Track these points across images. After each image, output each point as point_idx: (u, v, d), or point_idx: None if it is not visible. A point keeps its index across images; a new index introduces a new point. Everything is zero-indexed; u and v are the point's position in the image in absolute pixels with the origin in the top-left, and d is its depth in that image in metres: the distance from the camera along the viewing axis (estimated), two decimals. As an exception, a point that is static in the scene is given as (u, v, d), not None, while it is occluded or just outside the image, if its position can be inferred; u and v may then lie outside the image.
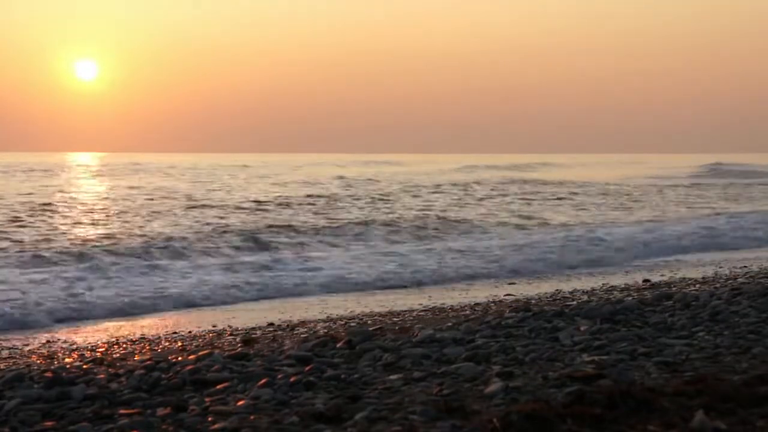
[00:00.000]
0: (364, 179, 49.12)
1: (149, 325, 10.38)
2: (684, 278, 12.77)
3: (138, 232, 20.31)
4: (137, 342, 8.96)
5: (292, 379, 5.57)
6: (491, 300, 11.22)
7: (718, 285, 11.08)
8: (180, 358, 6.66)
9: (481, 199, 34.27)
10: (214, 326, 9.90)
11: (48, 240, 18.46)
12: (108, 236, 19.31)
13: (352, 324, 9.49)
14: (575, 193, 38.86)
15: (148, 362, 6.36)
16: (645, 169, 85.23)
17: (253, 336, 8.70)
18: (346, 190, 38.92)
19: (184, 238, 18.61)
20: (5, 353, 8.58)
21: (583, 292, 11.56)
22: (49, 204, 27.96)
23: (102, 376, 6.02)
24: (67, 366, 6.77)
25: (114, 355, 7.94)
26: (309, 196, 33.15)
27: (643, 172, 73.42)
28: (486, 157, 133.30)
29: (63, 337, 9.56)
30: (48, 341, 9.29)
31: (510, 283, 13.17)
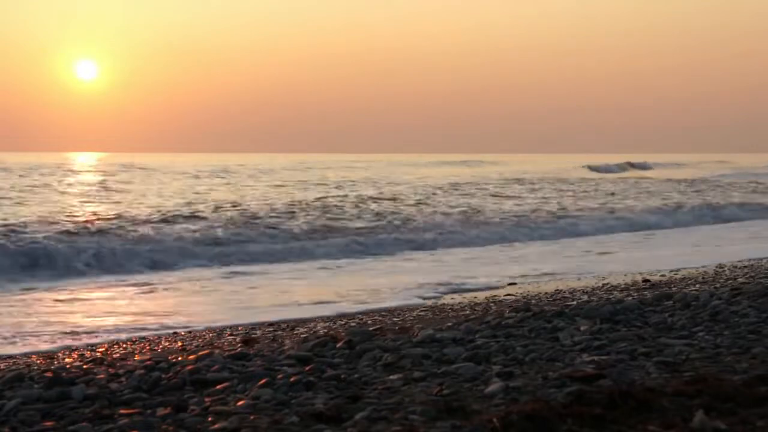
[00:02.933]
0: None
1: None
2: (684, 278, 12.77)
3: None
4: (137, 342, 8.96)
5: (292, 379, 5.57)
6: (491, 300, 11.22)
7: (718, 285, 11.08)
8: (180, 358, 6.67)
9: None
10: (214, 326, 9.90)
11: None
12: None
13: (352, 324, 9.49)
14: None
15: (148, 362, 6.36)
16: (710, 167, 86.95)
17: (253, 336, 8.70)
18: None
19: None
20: (5, 352, 8.57)
21: (583, 292, 11.55)
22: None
23: (102, 376, 6.03)
24: (67, 366, 6.77)
25: (114, 355, 7.94)
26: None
27: (720, 169, 76.83)
28: (509, 157, 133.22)
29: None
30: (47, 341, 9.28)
31: (510, 284, 13.17)
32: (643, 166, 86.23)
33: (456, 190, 39.85)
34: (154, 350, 8.32)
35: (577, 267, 15.22)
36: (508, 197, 35.76)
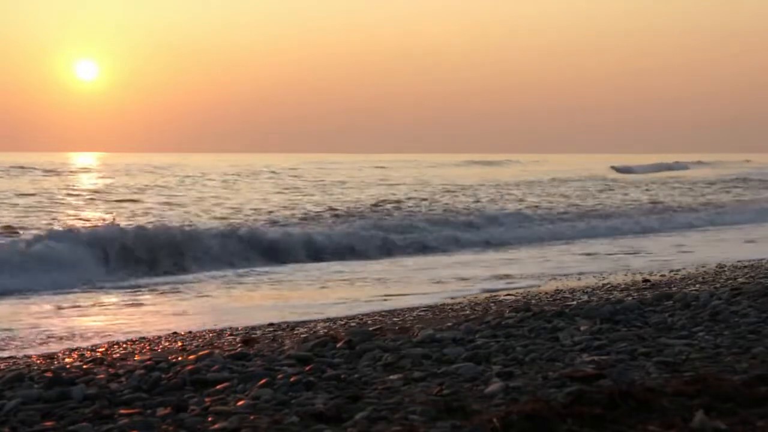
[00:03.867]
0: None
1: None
2: (684, 278, 12.77)
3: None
4: (137, 342, 8.96)
5: (292, 379, 5.57)
6: (491, 300, 11.22)
7: (718, 285, 11.08)
8: (180, 358, 6.66)
9: None
10: (214, 326, 9.90)
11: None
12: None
13: (352, 324, 9.49)
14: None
15: (148, 362, 6.36)
16: (740, 165, 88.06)
17: (253, 336, 8.70)
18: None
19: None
20: (5, 353, 8.57)
21: (583, 292, 11.56)
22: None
23: (102, 376, 6.03)
24: (67, 366, 6.77)
25: (114, 355, 7.94)
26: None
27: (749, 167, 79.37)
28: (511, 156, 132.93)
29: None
30: (47, 341, 9.28)
31: (509, 284, 13.17)
32: (671, 167, 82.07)
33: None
34: (154, 350, 8.32)
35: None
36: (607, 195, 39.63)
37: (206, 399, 5.27)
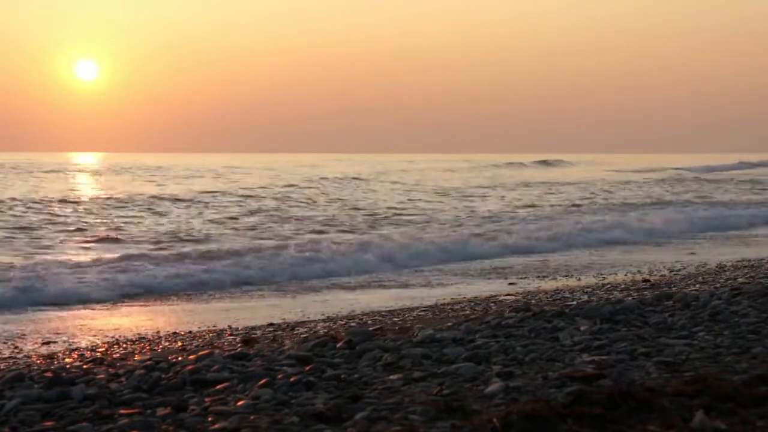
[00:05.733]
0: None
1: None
2: (684, 278, 12.77)
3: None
4: (137, 342, 8.96)
5: (292, 379, 5.57)
6: (491, 300, 11.22)
7: (718, 285, 11.08)
8: (180, 358, 6.66)
9: None
10: (214, 326, 9.90)
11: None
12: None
13: (352, 324, 9.49)
14: None
15: (148, 362, 6.36)
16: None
17: (253, 336, 8.69)
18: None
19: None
20: (5, 353, 8.57)
21: (583, 292, 11.55)
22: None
23: (102, 376, 6.03)
24: (67, 366, 6.77)
25: (114, 355, 7.94)
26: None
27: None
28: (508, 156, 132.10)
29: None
30: (48, 341, 9.28)
31: (510, 284, 13.17)
32: (725, 168, 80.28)
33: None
34: (154, 350, 8.32)
35: None
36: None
37: (206, 399, 5.27)
